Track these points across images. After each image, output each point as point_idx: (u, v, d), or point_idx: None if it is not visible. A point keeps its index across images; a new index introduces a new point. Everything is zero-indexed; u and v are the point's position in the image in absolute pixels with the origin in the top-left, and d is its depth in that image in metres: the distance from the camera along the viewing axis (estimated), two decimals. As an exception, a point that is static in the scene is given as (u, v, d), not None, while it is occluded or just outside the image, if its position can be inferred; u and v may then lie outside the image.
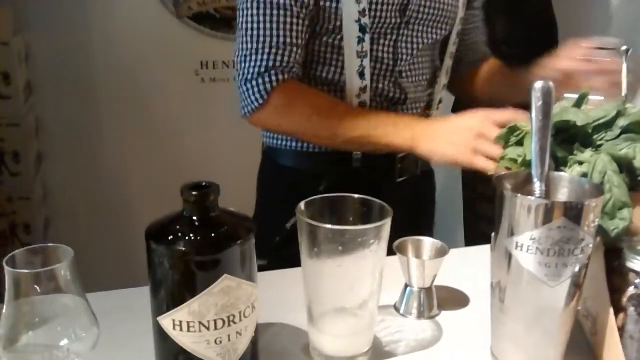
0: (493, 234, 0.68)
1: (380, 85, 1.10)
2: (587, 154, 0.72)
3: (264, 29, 1.01)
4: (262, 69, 1.02)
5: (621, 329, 0.64)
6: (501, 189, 0.65)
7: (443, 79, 1.21)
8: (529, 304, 0.65)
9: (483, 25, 1.29)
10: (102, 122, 2.32)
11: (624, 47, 0.90)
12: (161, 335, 0.61)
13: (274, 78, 1.02)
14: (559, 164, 0.73)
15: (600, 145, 0.73)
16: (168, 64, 2.30)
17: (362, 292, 0.68)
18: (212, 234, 0.61)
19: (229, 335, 0.61)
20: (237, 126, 2.38)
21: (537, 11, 1.40)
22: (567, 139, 0.74)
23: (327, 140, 1.07)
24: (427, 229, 1.23)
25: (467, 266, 0.92)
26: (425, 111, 1.19)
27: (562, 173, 0.70)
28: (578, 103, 0.79)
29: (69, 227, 2.33)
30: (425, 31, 1.12)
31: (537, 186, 0.66)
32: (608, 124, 0.74)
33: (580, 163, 0.71)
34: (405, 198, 1.13)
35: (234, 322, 0.61)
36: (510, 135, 0.80)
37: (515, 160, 0.76)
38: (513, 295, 0.65)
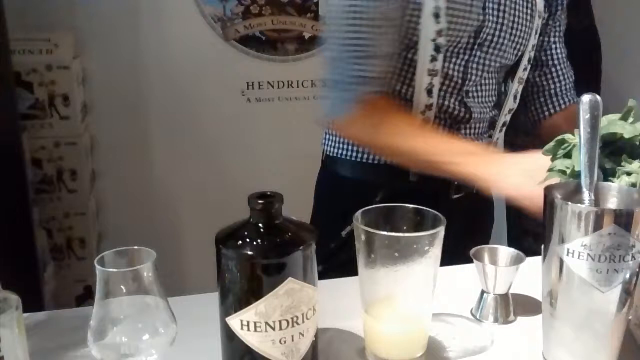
0: (544, 243, 0.70)
1: (446, 103, 1.12)
2: (635, 165, 0.74)
3: (357, 39, 1.03)
4: (352, 77, 1.04)
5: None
6: (552, 197, 0.68)
7: (510, 103, 1.22)
8: (580, 308, 0.67)
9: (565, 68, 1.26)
10: (153, 140, 2.42)
11: None
12: (229, 335, 0.66)
13: (364, 88, 1.04)
14: (607, 175, 0.75)
15: (648, 157, 0.75)
16: (216, 84, 2.40)
17: (417, 298, 0.72)
18: (278, 240, 0.65)
19: (292, 336, 0.65)
20: (281, 143, 2.46)
21: (582, 29, 1.40)
22: (614, 151, 0.77)
23: (404, 158, 1.08)
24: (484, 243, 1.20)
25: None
26: (489, 131, 1.21)
27: (610, 183, 0.72)
28: (625, 116, 0.81)
29: (120, 243, 2.40)
30: (497, 54, 1.13)
31: (587, 195, 0.69)
32: (655, 136, 0.76)
33: (629, 174, 0.73)
34: (462, 213, 1.12)
35: (297, 323, 0.65)
36: (559, 148, 0.82)
37: (564, 172, 0.78)
38: (564, 300, 0.68)
